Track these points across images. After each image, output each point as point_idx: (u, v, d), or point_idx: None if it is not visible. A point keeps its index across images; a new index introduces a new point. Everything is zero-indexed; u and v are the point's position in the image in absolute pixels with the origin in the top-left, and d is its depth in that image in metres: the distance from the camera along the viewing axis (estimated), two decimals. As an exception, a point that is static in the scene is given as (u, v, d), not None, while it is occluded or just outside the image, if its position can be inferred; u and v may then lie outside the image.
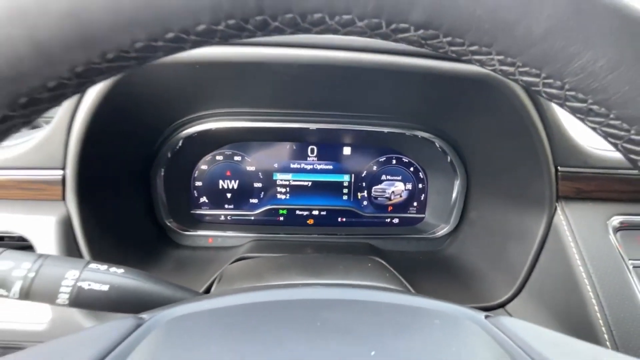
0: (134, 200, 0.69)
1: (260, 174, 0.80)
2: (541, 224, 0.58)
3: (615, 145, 0.19)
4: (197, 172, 0.79)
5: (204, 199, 0.80)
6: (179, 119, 0.67)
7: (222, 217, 0.81)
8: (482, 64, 0.19)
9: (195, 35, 0.17)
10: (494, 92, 0.51)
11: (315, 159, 0.81)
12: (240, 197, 0.81)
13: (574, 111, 0.19)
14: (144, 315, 0.29)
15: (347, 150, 0.82)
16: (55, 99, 0.18)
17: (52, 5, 0.16)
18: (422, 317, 0.29)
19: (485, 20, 0.16)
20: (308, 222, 0.83)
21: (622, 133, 0.17)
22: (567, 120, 0.56)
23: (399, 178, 0.84)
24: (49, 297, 0.37)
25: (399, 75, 0.50)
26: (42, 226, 0.51)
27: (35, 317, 0.51)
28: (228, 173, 0.80)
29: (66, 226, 0.52)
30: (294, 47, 0.44)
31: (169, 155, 0.71)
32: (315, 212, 0.83)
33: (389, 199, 0.84)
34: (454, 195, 0.79)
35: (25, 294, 0.36)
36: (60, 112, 0.50)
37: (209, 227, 0.79)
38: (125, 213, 0.65)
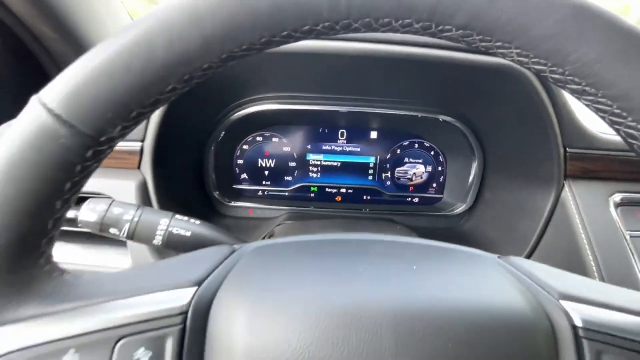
0: (190, 173, 0.79)
1: (294, 154, 0.89)
2: (549, 200, 0.64)
3: (603, 118, 0.23)
4: (239, 151, 0.88)
5: (244, 175, 0.89)
6: (233, 102, 0.76)
7: (260, 192, 0.91)
8: (503, 55, 0.26)
9: (300, 33, 0.25)
10: (512, 81, 0.58)
11: (345, 142, 0.89)
12: (276, 174, 0.90)
13: (572, 92, 0.23)
14: (235, 246, 0.38)
15: (373, 135, 0.89)
16: (203, 77, 0.27)
17: (217, 13, 0.24)
18: (449, 252, 0.37)
19: (509, 24, 0.24)
20: (336, 199, 0.92)
21: (608, 108, 0.22)
22: (575, 106, 0.62)
23: (421, 161, 0.91)
24: (148, 238, 0.46)
25: (428, 65, 0.58)
26: (125, 189, 0.61)
27: (117, 263, 0.61)
28: (266, 153, 0.89)
29: (143, 190, 0.62)
30: (344, 40, 0.52)
31: (221, 135, 0.80)
32: (343, 190, 0.91)
33: (411, 179, 0.92)
34: (471, 177, 0.86)
35: (131, 235, 0.46)
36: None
37: (249, 200, 0.88)
38: (183, 183, 0.75)
